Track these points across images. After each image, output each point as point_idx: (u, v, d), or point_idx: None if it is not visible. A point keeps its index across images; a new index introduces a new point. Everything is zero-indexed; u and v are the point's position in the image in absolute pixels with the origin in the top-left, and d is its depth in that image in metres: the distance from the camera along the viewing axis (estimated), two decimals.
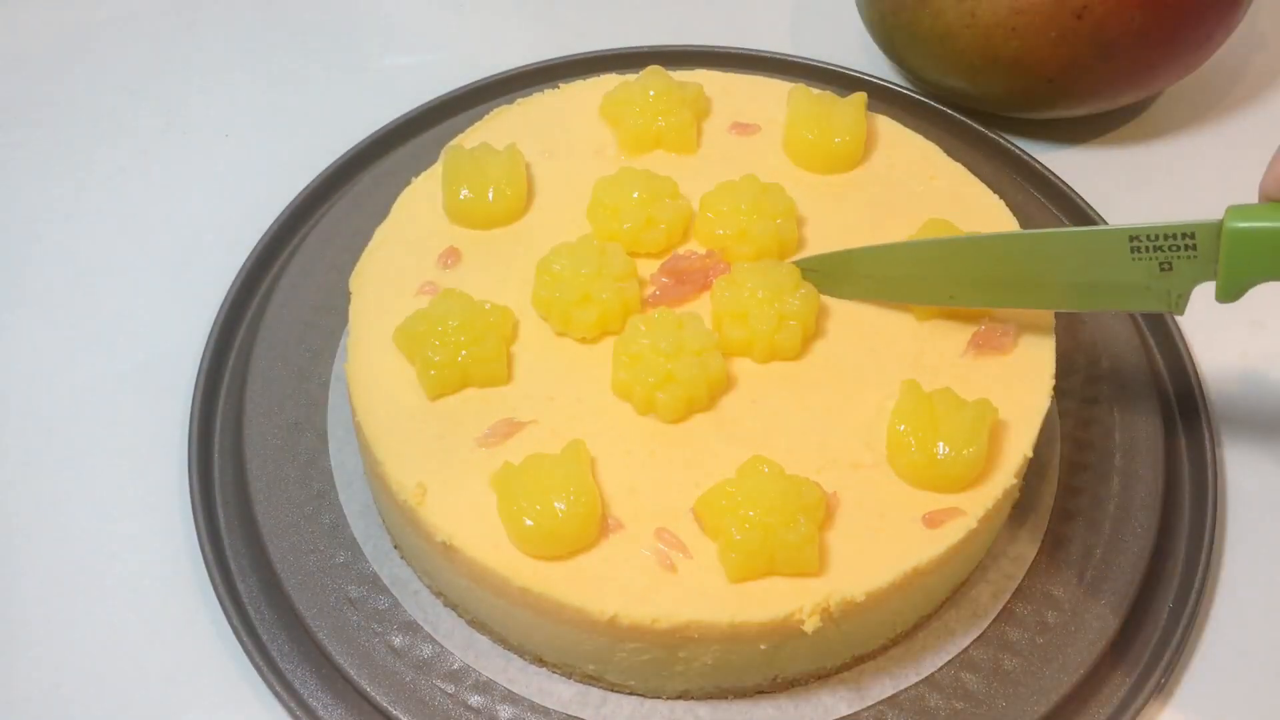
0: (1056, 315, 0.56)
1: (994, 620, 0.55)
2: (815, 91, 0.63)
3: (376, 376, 0.54)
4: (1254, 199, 0.48)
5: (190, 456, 0.58)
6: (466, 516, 0.50)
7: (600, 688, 0.52)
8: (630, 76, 0.64)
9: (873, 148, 0.63)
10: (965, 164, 0.63)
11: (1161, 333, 0.65)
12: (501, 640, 0.53)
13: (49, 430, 0.61)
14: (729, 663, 0.50)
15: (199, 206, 0.71)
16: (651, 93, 0.62)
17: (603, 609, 0.47)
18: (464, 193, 0.59)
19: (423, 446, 0.52)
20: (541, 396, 0.54)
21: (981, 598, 0.55)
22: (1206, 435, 0.61)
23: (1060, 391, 0.58)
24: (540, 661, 0.53)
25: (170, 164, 0.74)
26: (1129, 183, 0.74)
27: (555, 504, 0.48)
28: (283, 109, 0.77)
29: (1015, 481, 0.52)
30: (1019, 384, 0.55)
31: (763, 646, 0.49)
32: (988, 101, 0.73)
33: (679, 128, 0.62)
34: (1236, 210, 0.47)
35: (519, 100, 0.65)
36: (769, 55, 0.76)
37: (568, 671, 0.52)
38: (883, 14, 0.73)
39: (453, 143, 0.62)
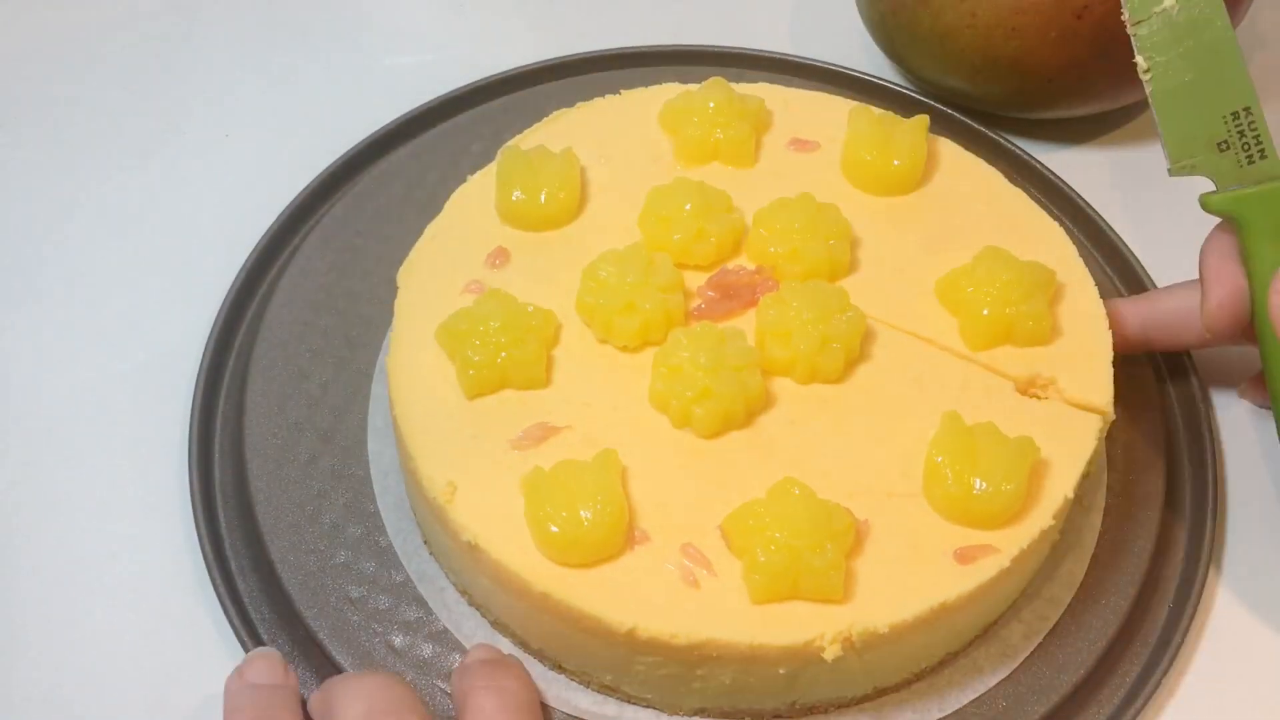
0: None
1: (1025, 660, 0.54)
2: (877, 112, 0.62)
3: (417, 372, 0.54)
4: None
5: (190, 456, 0.58)
6: (494, 518, 0.50)
7: (617, 699, 0.52)
8: (692, 86, 0.64)
9: (933, 171, 0.62)
10: None
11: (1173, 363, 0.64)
12: (523, 644, 0.53)
13: (49, 430, 0.61)
14: (747, 684, 0.49)
15: (199, 206, 0.71)
16: (711, 104, 0.62)
17: (622, 620, 0.47)
18: (516, 194, 0.59)
19: (457, 445, 0.52)
20: (579, 402, 0.54)
21: (1013, 637, 0.54)
22: (1207, 437, 0.61)
23: None
24: (559, 668, 0.53)
25: (170, 164, 0.73)
26: (1129, 183, 0.73)
27: (581, 512, 0.48)
28: (283, 109, 0.76)
29: (1053, 523, 0.51)
30: (1066, 425, 0.53)
31: (781, 670, 0.48)
32: (988, 101, 0.73)
33: (737, 140, 0.62)
34: None
35: (579, 104, 0.65)
36: (769, 55, 0.76)
37: (585, 680, 0.52)
38: (883, 14, 0.73)
39: (509, 143, 0.62)
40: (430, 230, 0.60)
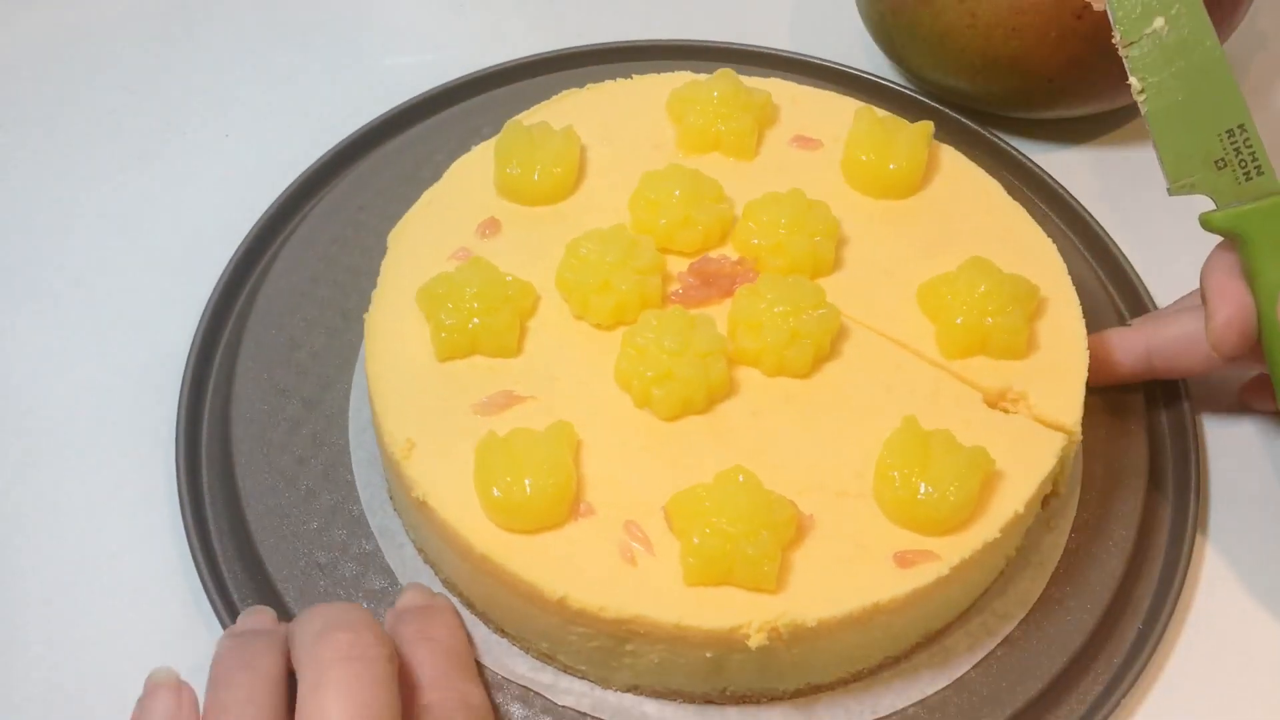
0: None
1: (968, 671, 0.53)
2: (881, 114, 0.62)
3: (394, 330, 0.56)
4: None
5: (179, 421, 0.59)
6: (446, 477, 0.51)
7: (554, 667, 0.53)
8: (702, 76, 0.64)
9: (932, 177, 0.62)
10: None
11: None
12: (468, 604, 0.54)
13: (47, 430, 0.61)
14: (675, 664, 0.50)
15: (199, 207, 0.71)
16: (716, 94, 0.62)
17: (554, 589, 0.48)
18: (512, 167, 0.60)
19: (421, 404, 0.53)
20: (546, 375, 0.54)
21: (958, 648, 0.54)
22: (1193, 459, 0.60)
23: None
24: (501, 631, 0.54)
25: (170, 164, 0.73)
26: (1129, 183, 0.73)
27: (525, 479, 0.49)
28: (283, 109, 0.76)
29: (1000, 536, 0.50)
30: (1030, 441, 0.53)
31: (708, 654, 0.49)
32: (988, 101, 0.73)
33: (738, 133, 0.62)
34: None
35: (589, 85, 0.66)
36: (770, 52, 0.76)
37: (525, 646, 0.53)
38: (883, 14, 0.73)
39: (514, 119, 0.63)
40: (427, 196, 0.61)
